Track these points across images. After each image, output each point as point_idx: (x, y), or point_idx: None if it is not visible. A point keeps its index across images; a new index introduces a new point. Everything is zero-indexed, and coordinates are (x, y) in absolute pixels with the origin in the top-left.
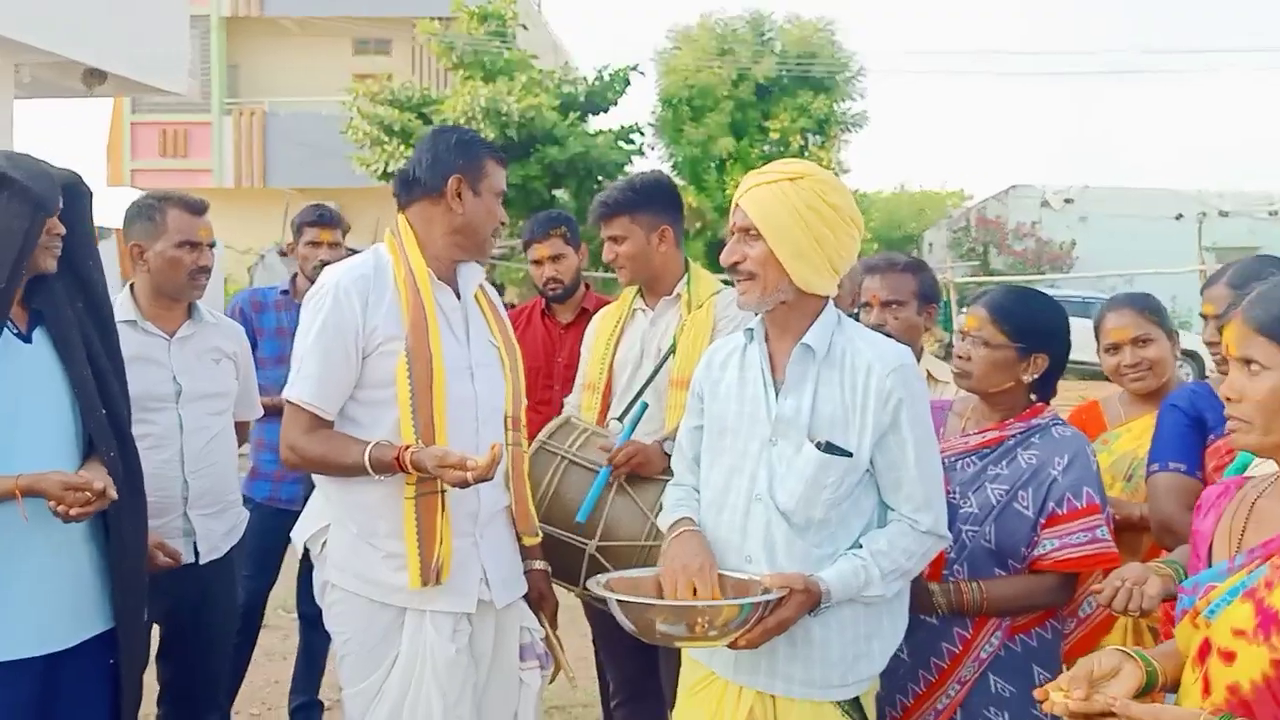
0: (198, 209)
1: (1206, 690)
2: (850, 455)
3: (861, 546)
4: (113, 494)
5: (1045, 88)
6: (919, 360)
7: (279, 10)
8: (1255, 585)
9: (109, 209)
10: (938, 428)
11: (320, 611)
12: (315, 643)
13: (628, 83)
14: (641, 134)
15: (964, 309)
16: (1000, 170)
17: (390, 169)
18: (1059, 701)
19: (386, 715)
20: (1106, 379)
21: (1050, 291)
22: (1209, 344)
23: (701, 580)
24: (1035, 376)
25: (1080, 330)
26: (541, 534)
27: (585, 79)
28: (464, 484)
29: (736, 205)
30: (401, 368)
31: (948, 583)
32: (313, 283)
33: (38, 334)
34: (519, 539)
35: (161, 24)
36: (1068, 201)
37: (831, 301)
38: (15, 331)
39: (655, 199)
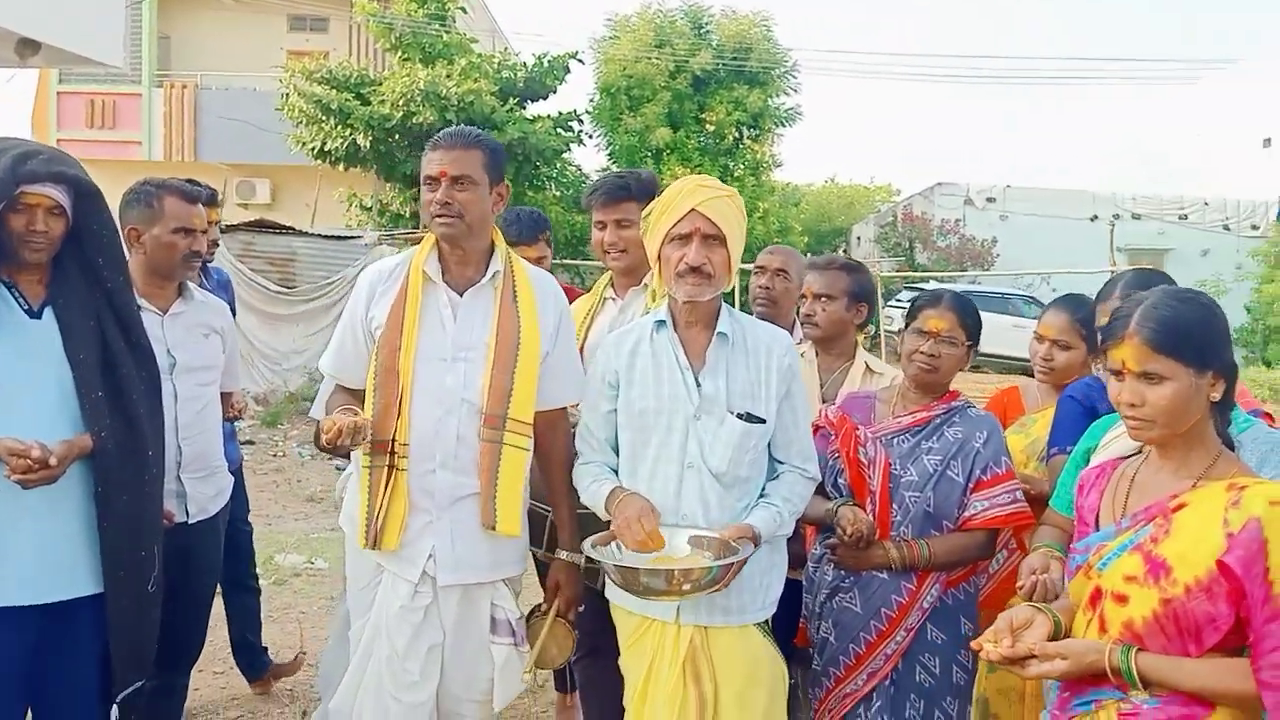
0: (193, 197)
1: (1103, 628)
2: (765, 421)
3: (766, 494)
4: (54, 465)
5: (972, 89)
6: (855, 355)
7: None
8: (1142, 540)
9: None
10: (866, 414)
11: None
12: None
13: (567, 70)
14: (580, 121)
15: (923, 310)
16: (927, 168)
17: (327, 147)
18: (992, 651)
19: (361, 651)
20: (1021, 374)
21: (970, 288)
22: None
23: (647, 521)
24: (968, 366)
25: (999, 327)
26: (517, 528)
27: (524, 65)
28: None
29: (694, 210)
30: (374, 352)
31: (900, 541)
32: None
33: (47, 313)
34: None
35: None
36: (990, 200)
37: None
38: (25, 308)
39: (653, 193)
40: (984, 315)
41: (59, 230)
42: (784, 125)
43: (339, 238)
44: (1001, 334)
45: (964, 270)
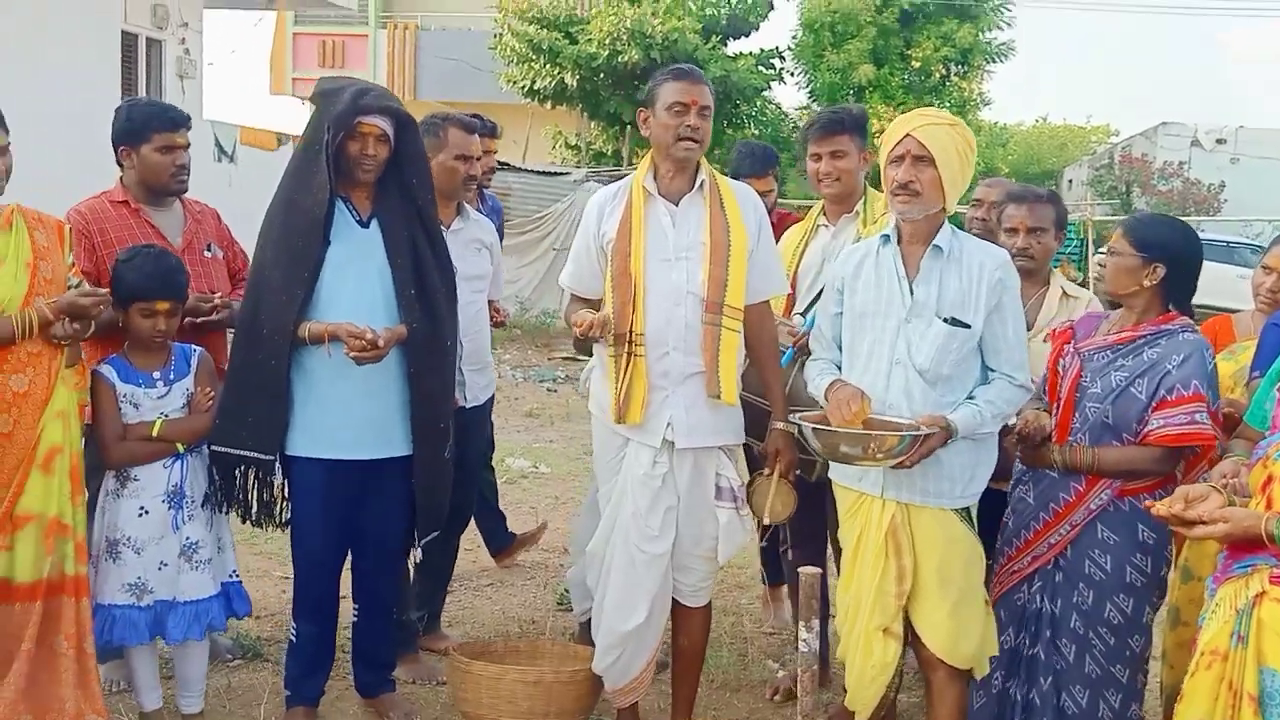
0: (471, 128)
1: (1269, 506)
2: (969, 327)
3: (974, 397)
4: (381, 346)
5: (1202, 22)
6: (1051, 281)
7: None
8: None
9: (272, 115)
10: (1091, 332)
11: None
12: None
13: (770, 6)
14: (782, 59)
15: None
16: (1148, 107)
17: (536, 86)
18: (1162, 509)
19: (610, 509)
20: None
21: None
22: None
23: (854, 403)
24: (1154, 282)
25: (1222, 278)
26: (736, 398)
27: (728, 2)
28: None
29: (908, 135)
30: (608, 261)
31: (1068, 445)
32: None
33: (373, 224)
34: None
35: None
36: (1220, 141)
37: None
38: (356, 219)
39: (864, 127)
40: (1206, 265)
41: (384, 155)
42: (995, 61)
43: (550, 174)
44: (1225, 285)
45: (1186, 215)
